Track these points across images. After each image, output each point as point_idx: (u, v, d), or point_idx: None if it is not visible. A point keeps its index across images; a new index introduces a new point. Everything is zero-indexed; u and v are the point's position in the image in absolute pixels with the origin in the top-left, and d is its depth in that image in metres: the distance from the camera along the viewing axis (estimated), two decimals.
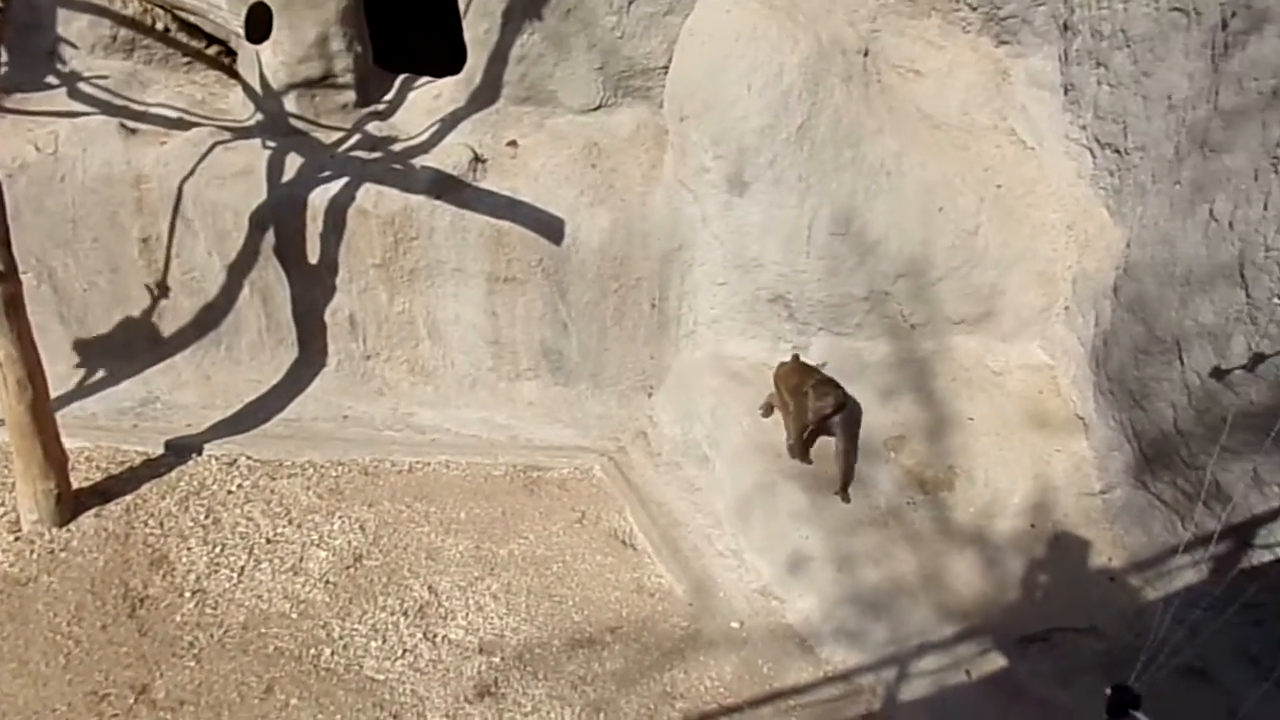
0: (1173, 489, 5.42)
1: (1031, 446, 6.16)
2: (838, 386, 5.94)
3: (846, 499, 6.01)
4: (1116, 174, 6.02)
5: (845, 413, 5.99)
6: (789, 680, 5.32)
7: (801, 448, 6.23)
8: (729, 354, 6.93)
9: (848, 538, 5.81)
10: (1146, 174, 5.73)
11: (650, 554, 6.12)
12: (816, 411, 5.87)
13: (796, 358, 6.47)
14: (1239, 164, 4.87)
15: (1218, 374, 4.94)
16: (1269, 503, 4.64)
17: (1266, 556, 4.71)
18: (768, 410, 6.48)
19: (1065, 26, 6.29)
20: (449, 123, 7.06)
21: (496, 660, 5.26)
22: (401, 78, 7.55)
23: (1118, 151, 5.98)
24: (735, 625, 5.64)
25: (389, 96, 7.41)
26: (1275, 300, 4.08)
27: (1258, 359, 4.65)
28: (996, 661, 5.26)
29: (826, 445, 6.20)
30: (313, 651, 5.20)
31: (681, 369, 7.11)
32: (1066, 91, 6.32)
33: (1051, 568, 5.68)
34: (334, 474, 6.52)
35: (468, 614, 5.56)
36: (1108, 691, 2.61)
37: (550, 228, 6.70)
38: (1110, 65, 5.91)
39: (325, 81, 7.02)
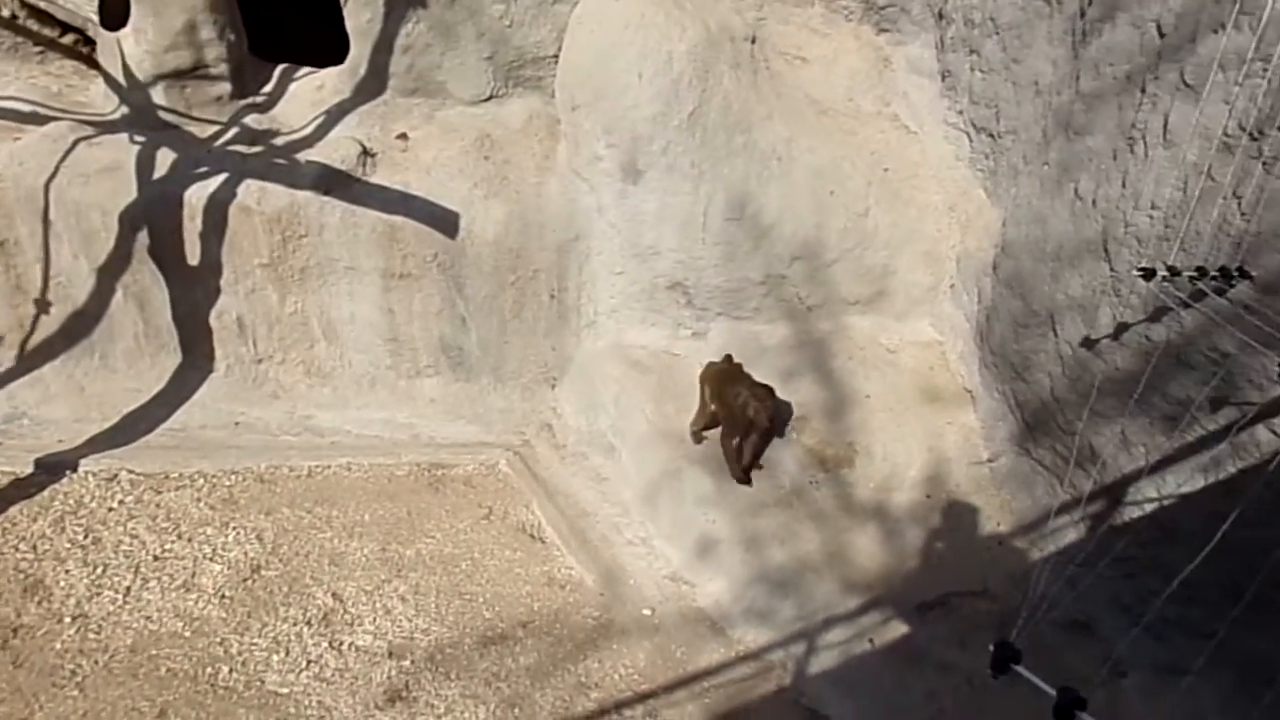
0: (1052, 454, 5.73)
1: (925, 420, 6.41)
2: (772, 392, 5.97)
3: (749, 483, 6.12)
4: (991, 157, 6.30)
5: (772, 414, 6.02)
6: (702, 662, 5.40)
7: (739, 464, 6.14)
8: (630, 342, 6.95)
9: (753, 519, 5.92)
10: (1018, 156, 6.01)
11: (559, 546, 6.09)
12: (766, 412, 5.84)
13: (729, 358, 6.38)
14: (1099, 145, 5.16)
15: (1087, 344, 5.25)
16: (1136, 462, 4.96)
17: (1135, 513, 5.03)
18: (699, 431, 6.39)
19: (940, 15, 6.54)
20: (334, 115, 6.82)
21: (407, 664, 5.15)
22: (281, 68, 7.23)
23: (991, 135, 6.25)
24: (647, 612, 5.68)
25: (268, 88, 7.10)
26: (1134, 272, 4.35)
27: (1121, 328, 4.96)
28: (898, 629, 5.46)
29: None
30: (209, 670, 4.98)
31: (583, 359, 7.09)
32: (944, 78, 6.57)
33: (946, 536, 5.92)
34: (227, 483, 6.23)
35: (375, 618, 5.42)
36: (991, 649, 2.74)
37: (445, 222, 6.56)
38: (982, 52, 6.17)
39: (196, 72, 6.66)
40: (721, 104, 6.24)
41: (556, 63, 6.74)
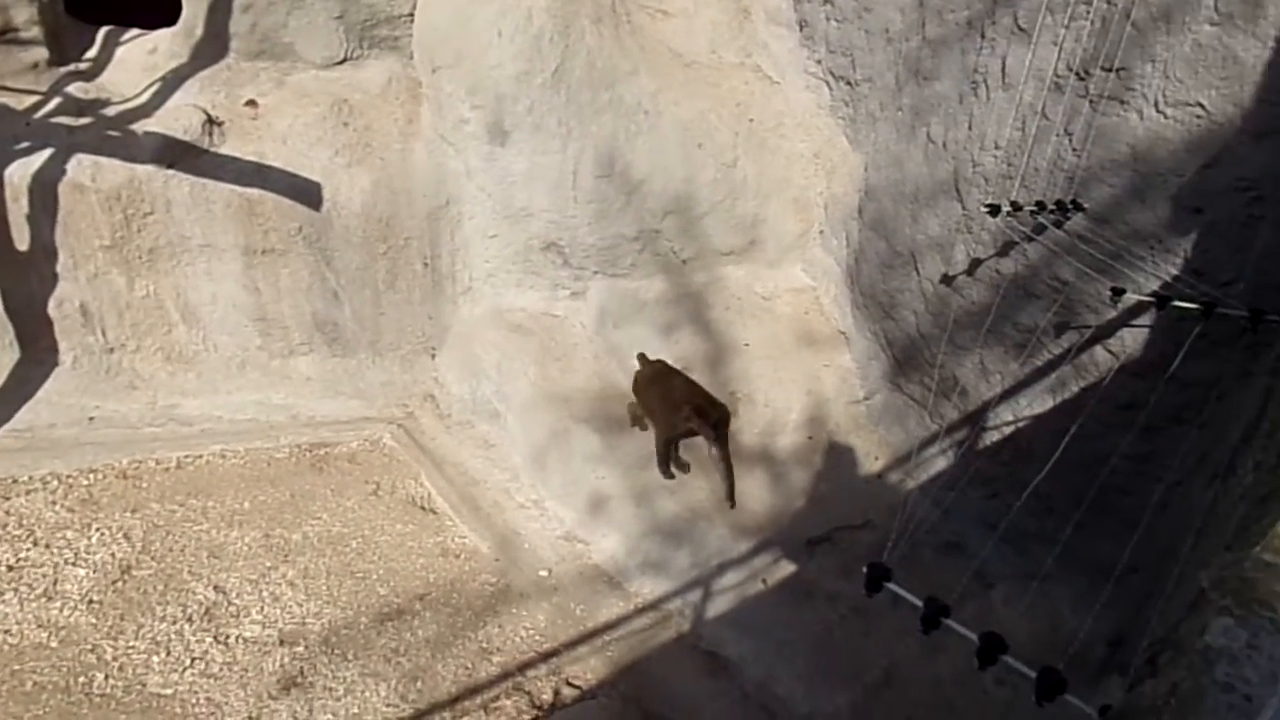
0: (920, 387, 6.03)
1: (803, 364, 6.61)
2: (714, 402, 5.83)
3: (733, 504, 5.91)
4: (850, 104, 6.48)
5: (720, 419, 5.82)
6: (601, 617, 5.47)
7: (666, 461, 6.02)
8: (508, 306, 6.87)
9: (643, 473, 6.00)
10: (875, 103, 6.21)
11: (451, 516, 6.02)
12: (707, 423, 5.68)
13: (644, 358, 6.22)
14: (946, 89, 5.39)
15: (946, 280, 5.53)
16: (993, 389, 5.28)
17: (995, 436, 5.38)
18: (635, 420, 6.24)
19: None
20: (172, 82, 6.35)
21: (300, 649, 5.01)
22: (105, 30, 6.66)
23: (849, 83, 6.42)
24: (544, 574, 5.70)
25: (92, 53, 6.52)
26: (983, 209, 4.59)
27: (975, 263, 5.24)
28: (788, 567, 5.67)
29: (613, 383, 6.32)
30: (82, 680, 4.70)
31: (462, 327, 6.97)
32: (801, 28, 6.68)
33: (829, 474, 6.16)
34: (85, 483, 5.84)
35: (263, 607, 5.23)
36: (864, 570, 2.88)
37: (306, 193, 6.27)
38: (835, 1, 6.30)
39: (4, 36, 6.02)
40: (585, 60, 6.16)
41: (412, 22, 6.49)
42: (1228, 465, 3.67)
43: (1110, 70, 4.24)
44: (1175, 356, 3.90)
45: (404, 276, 6.75)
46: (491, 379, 6.60)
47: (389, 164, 6.42)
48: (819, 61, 6.62)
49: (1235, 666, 1.53)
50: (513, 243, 6.67)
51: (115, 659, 4.82)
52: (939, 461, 5.91)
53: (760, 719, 5.02)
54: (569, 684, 5.07)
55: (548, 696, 4.95)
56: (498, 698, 4.89)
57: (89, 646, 4.85)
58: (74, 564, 5.29)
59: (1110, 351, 4.55)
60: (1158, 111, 4.12)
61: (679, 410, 5.75)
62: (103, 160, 5.96)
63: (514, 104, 6.14)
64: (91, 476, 5.89)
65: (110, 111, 6.18)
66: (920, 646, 4.92)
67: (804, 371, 6.56)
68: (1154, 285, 4.22)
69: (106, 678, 4.72)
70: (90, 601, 5.09)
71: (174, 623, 5.05)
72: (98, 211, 6.04)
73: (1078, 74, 4.38)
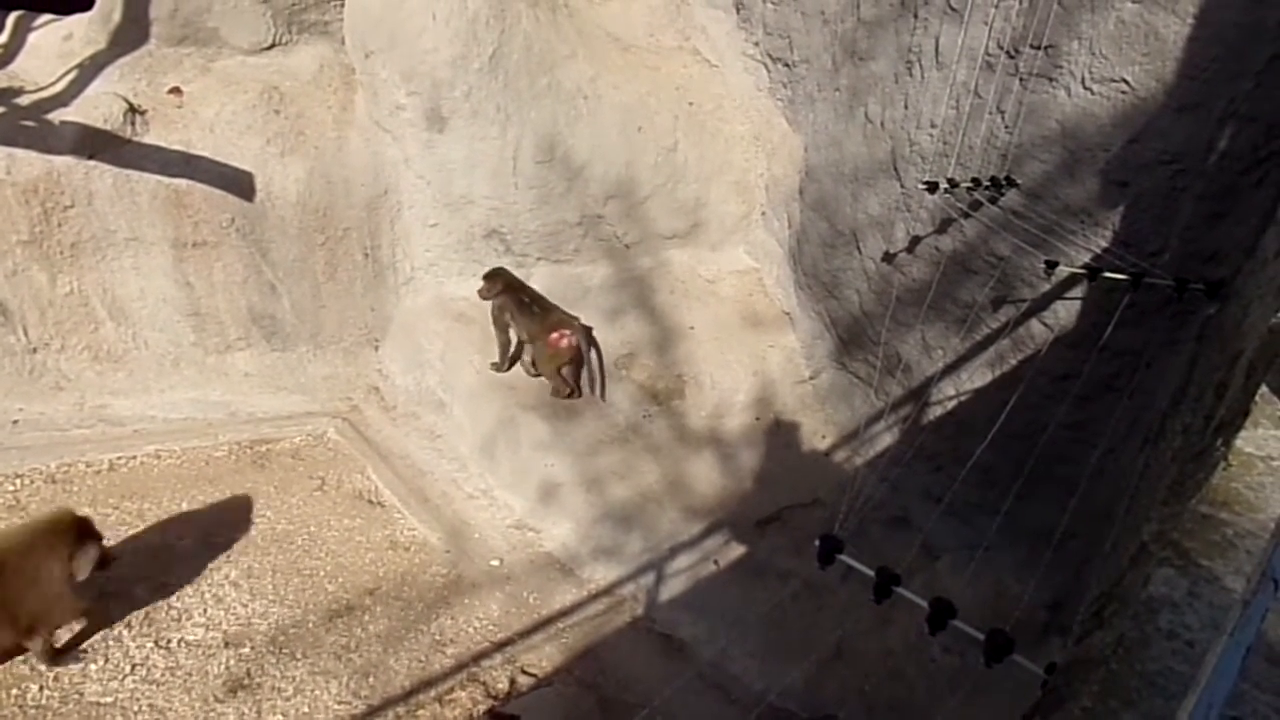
0: (865, 365, 6.12)
1: (748, 346, 6.66)
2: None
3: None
4: (788, 85, 6.52)
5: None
6: (555, 605, 5.46)
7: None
8: (451, 295, 6.77)
9: (592, 459, 5.99)
10: (813, 84, 6.25)
11: (399, 508, 5.94)
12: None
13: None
14: (882, 69, 5.45)
15: (887, 258, 5.61)
16: (935, 365, 5.39)
17: (938, 411, 5.49)
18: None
19: None
20: (90, 69, 6.08)
21: (246, 650, 4.89)
22: (14, 17, 6.34)
23: (787, 65, 6.46)
24: (495, 563, 5.66)
25: (2, 39, 6.22)
26: (920, 186, 4.66)
27: (915, 241, 5.33)
28: (739, 547, 5.72)
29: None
30: (16, 692, 4.51)
31: (405, 317, 6.85)
32: (738, 10, 6.69)
33: (777, 454, 6.23)
34: (10, 489, 5.60)
35: (205, 609, 5.08)
36: (816, 544, 2.91)
37: (238, 183, 6.07)
38: None
39: None
40: (523, 44, 6.08)
41: (343, 6, 6.32)
42: (1158, 430, 3.80)
43: (1039, 48, 4.33)
44: (1106, 327, 4.02)
45: (344, 267, 6.60)
46: (436, 369, 6.51)
47: (324, 153, 6.26)
48: (757, 44, 6.64)
49: (1177, 614, 1.58)
50: (454, 231, 6.57)
51: (50, 669, 4.64)
52: (885, 438, 6.01)
53: (715, 698, 5.07)
54: (524, 672, 5.04)
55: (503, 685, 4.92)
56: (452, 689, 4.84)
57: (21, 658, 4.66)
58: None
59: (1045, 324, 4.67)
60: (1084, 88, 4.22)
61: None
62: (18, 152, 5.68)
63: (451, 89, 6.03)
64: (18, 482, 5.65)
65: (24, 101, 5.89)
66: (870, 620, 5.02)
67: (749, 353, 6.60)
68: (1085, 258, 4.34)
69: (41, 688, 4.54)
70: None
71: (111, 629, 4.88)
72: (14, 205, 5.76)
73: (1008, 52, 4.47)
